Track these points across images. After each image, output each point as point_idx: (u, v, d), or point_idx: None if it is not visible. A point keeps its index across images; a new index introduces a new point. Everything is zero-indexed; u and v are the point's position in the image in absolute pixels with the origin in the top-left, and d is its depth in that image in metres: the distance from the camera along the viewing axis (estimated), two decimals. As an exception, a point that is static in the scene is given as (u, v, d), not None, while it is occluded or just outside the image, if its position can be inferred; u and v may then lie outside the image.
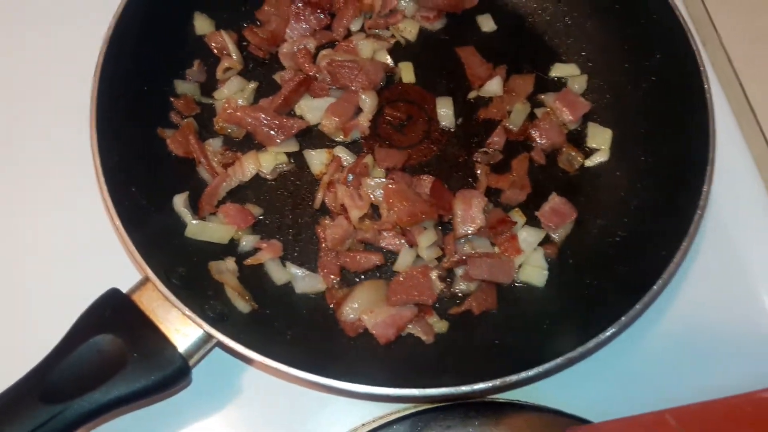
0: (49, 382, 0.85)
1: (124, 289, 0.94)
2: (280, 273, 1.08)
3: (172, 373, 0.89)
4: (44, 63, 1.25)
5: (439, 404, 1.02)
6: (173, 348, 0.90)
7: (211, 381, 1.02)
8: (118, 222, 0.94)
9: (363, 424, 1.02)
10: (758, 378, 1.03)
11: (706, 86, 1.07)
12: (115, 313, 0.91)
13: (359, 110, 1.18)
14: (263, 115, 1.15)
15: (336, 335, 1.03)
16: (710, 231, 1.15)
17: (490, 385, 0.88)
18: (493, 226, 1.08)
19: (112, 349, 0.88)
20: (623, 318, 0.92)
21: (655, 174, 1.12)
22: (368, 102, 1.17)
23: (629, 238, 1.08)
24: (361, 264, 1.08)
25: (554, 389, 1.04)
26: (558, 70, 1.26)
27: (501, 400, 1.04)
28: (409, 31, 1.27)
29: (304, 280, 1.07)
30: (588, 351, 0.91)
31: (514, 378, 0.89)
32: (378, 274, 1.10)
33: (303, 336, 1.01)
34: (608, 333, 0.92)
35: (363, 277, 1.09)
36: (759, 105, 1.24)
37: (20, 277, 1.09)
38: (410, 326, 1.04)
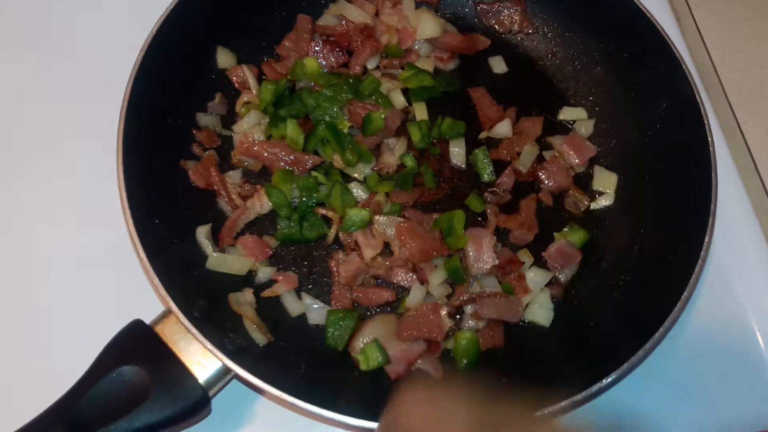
0: (76, 412, 0.88)
1: (147, 320, 0.98)
2: (295, 305, 1.11)
3: (193, 404, 0.93)
4: (72, 96, 1.28)
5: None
6: (194, 379, 0.93)
7: (228, 409, 1.05)
8: (143, 254, 0.98)
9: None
10: (755, 419, 1.07)
11: (709, 139, 1.12)
12: (139, 344, 0.95)
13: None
14: (279, 150, 1.18)
15: (348, 368, 1.06)
16: (710, 274, 1.19)
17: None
18: (501, 266, 1.12)
19: (136, 379, 0.91)
20: (626, 364, 0.96)
21: (658, 220, 1.16)
22: (399, 145, 1.22)
23: (632, 282, 1.13)
24: (373, 300, 1.12)
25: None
26: (566, 114, 1.30)
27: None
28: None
29: (317, 312, 1.11)
30: (591, 396, 0.95)
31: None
32: (388, 308, 1.13)
33: (316, 368, 1.04)
34: (611, 378, 0.96)
35: (376, 310, 1.13)
36: (759, 154, 1.29)
37: (46, 307, 1.12)
38: (419, 361, 1.08)
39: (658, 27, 1.21)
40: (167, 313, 0.97)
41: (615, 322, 1.09)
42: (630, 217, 1.20)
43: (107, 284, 1.13)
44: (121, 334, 0.96)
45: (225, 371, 0.95)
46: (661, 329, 0.99)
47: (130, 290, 1.11)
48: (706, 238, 1.05)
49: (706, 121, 1.14)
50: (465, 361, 1.07)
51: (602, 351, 1.03)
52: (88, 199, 1.19)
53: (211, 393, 0.95)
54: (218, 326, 0.99)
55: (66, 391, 0.91)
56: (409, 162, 1.21)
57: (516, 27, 1.37)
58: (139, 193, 1.04)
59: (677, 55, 1.19)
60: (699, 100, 1.15)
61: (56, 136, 1.25)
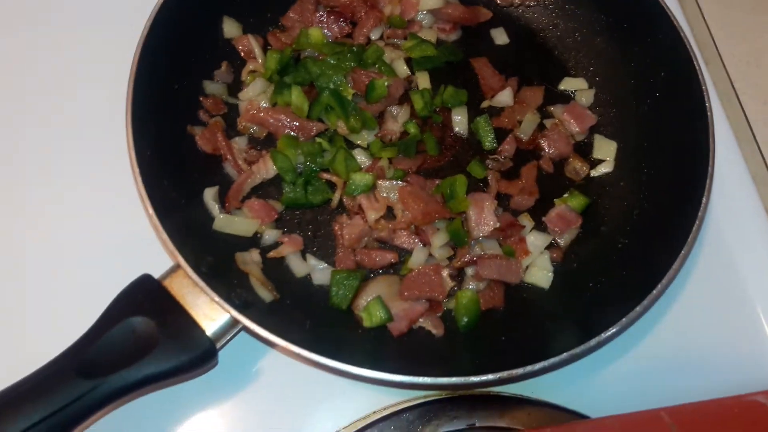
0: (86, 358, 0.91)
1: (156, 276, 1.00)
2: (300, 266, 1.13)
3: (200, 355, 0.95)
4: (83, 63, 1.31)
5: (447, 396, 1.07)
6: (202, 331, 0.95)
7: (235, 363, 1.07)
8: (151, 211, 1.00)
9: (375, 411, 1.08)
10: (749, 382, 1.09)
11: (707, 105, 1.14)
12: (147, 297, 0.97)
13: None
14: (284, 117, 1.20)
15: (351, 326, 1.09)
16: (708, 241, 1.21)
17: (498, 376, 0.94)
18: (502, 229, 1.14)
19: (144, 330, 0.93)
20: (624, 319, 0.98)
21: (656, 185, 1.18)
22: (402, 113, 1.24)
23: (631, 244, 1.15)
24: (376, 262, 1.14)
25: (556, 386, 1.09)
26: (567, 84, 1.32)
27: (505, 394, 1.09)
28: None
29: (322, 273, 1.13)
30: (590, 349, 0.97)
31: (520, 371, 0.94)
32: (391, 270, 1.15)
33: (320, 326, 1.06)
34: (610, 332, 0.98)
35: (379, 272, 1.15)
36: (757, 124, 1.31)
37: (58, 262, 1.14)
38: (421, 320, 1.10)
39: (658, -2, 1.23)
40: (175, 268, 0.99)
41: (613, 283, 1.11)
42: (629, 182, 1.22)
43: (117, 241, 1.15)
44: (130, 287, 0.98)
45: (232, 324, 0.98)
46: (659, 286, 1.01)
47: (139, 247, 1.13)
48: (704, 198, 1.07)
49: (704, 88, 1.15)
50: (465, 320, 1.09)
51: (601, 309, 1.05)
52: (100, 159, 1.22)
53: (218, 345, 0.97)
54: (225, 282, 1.01)
55: (76, 339, 0.93)
56: (412, 129, 1.23)
57: (517, 0, 1.39)
58: (147, 155, 1.05)
59: (677, 25, 1.21)
60: (698, 69, 1.17)
61: (68, 100, 1.27)
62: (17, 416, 0.84)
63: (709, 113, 1.13)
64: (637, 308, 1.00)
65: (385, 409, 1.07)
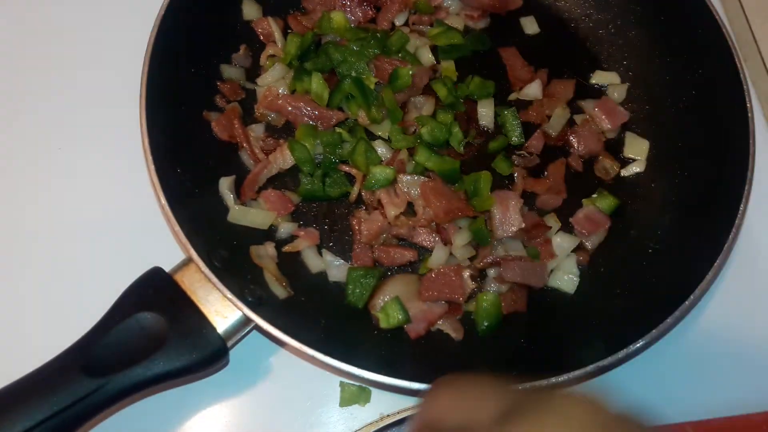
0: (92, 355, 0.87)
1: (167, 269, 0.96)
2: (315, 261, 1.09)
3: (211, 354, 0.91)
4: (96, 44, 1.26)
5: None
6: (213, 329, 0.92)
7: (245, 360, 1.04)
8: (164, 201, 0.96)
9: (388, 415, 1.04)
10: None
11: (748, 105, 1.08)
12: (157, 291, 0.93)
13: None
14: (303, 105, 1.16)
15: (368, 327, 1.05)
16: (741, 248, 1.16)
17: (522, 388, 0.90)
18: (528, 230, 1.09)
19: (153, 326, 0.90)
20: (654, 331, 0.94)
21: (690, 188, 1.13)
22: (426, 104, 1.19)
23: (662, 250, 1.10)
24: (395, 259, 1.09)
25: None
26: (598, 78, 1.27)
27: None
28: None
29: (338, 269, 1.09)
30: (618, 361, 0.93)
31: (544, 382, 0.90)
32: (409, 269, 1.11)
33: (335, 325, 1.03)
34: (639, 344, 0.93)
35: (397, 270, 1.11)
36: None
37: (66, 253, 1.11)
38: (440, 322, 1.06)
39: (699, -10, 1.17)
40: (187, 261, 0.96)
41: (643, 290, 1.06)
42: (661, 184, 1.17)
43: (127, 231, 1.11)
44: (139, 281, 0.94)
45: (244, 322, 0.94)
46: (691, 297, 0.96)
47: (150, 239, 1.10)
48: (741, 206, 1.02)
49: (745, 88, 1.10)
50: (486, 324, 1.05)
51: (629, 318, 1.01)
52: (111, 146, 1.18)
53: (229, 344, 0.94)
54: (239, 277, 0.97)
55: (82, 335, 0.90)
56: (442, 116, 1.18)
57: (550, -12, 1.33)
58: (161, 141, 1.01)
59: (717, 19, 1.15)
60: (739, 67, 1.11)
61: (80, 84, 1.23)
62: (20, 414, 0.81)
63: (749, 114, 1.08)
64: (668, 319, 0.95)
65: (398, 413, 1.04)
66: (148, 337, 0.89)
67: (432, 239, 1.10)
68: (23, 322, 1.06)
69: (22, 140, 1.19)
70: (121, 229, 1.12)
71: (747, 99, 1.09)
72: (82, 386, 0.85)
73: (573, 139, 1.20)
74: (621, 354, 0.92)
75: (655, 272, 1.07)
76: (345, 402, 1.04)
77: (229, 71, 1.20)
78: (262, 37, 1.24)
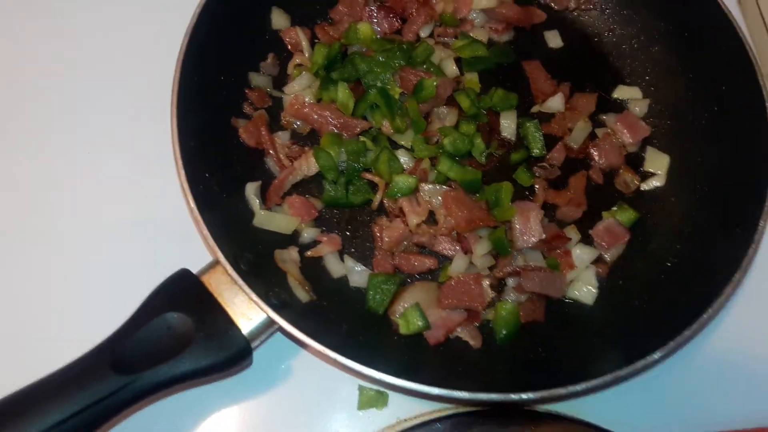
0: (120, 353, 0.90)
1: (194, 270, 0.99)
2: (337, 266, 1.11)
3: (235, 354, 0.93)
4: (129, 51, 1.30)
5: (479, 408, 1.05)
6: (238, 330, 0.94)
7: (266, 361, 1.06)
8: (193, 204, 0.98)
9: (405, 419, 1.06)
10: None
11: (771, 125, 1.09)
12: (184, 292, 0.96)
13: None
14: (329, 114, 1.18)
15: (387, 332, 1.06)
16: (760, 264, 1.16)
17: (539, 395, 0.91)
18: (548, 241, 1.10)
19: (180, 326, 0.92)
20: (671, 342, 0.95)
21: (710, 204, 1.14)
22: (449, 115, 1.21)
23: (680, 264, 1.10)
24: (415, 266, 1.11)
25: (592, 404, 1.06)
26: (621, 92, 1.28)
27: (539, 410, 1.07)
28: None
29: (359, 275, 1.11)
30: (635, 371, 0.94)
31: (562, 391, 0.91)
32: (429, 276, 1.13)
33: (356, 329, 1.04)
34: (656, 356, 0.94)
35: (417, 277, 1.13)
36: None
37: (98, 254, 1.14)
38: (459, 330, 1.07)
39: (722, 6, 1.18)
40: (214, 263, 0.98)
41: (661, 303, 1.07)
42: (681, 199, 1.18)
43: (156, 234, 1.14)
44: (167, 282, 0.97)
45: (268, 324, 0.96)
46: (709, 310, 0.97)
47: (179, 241, 1.13)
48: (761, 221, 1.02)
49: (767, 105, 1.10)
50: (504, 332, 1.06)
51: (646, 330, 1.02)
52: (141, 151, 1.21)
53: (253, 345, 0.96)
54: (263, 280, 0.99)
55: (112, 333, 0.92)
56: (464, 127, 1.20)
57: (573, 4, 1.35)
58: (191, 146, 1.04)
59: (741, 36, 1.16)
60: (762, 84, 1.12)
61: (114, 88, 1.27)
62: (50, 408, 0.84)
63: (772, 133, 1.09)
64: (686, 332, 0.96)
65: (416, 417, 1.06)
66: (175, 337, 0.92)
67: (452, 248, 1.12)
68: (56, 320, 1.09)
69: (54, 143, 1.23)
70: (151, 231, 1.15)
71: (768, 116, 1.10)
72: (110, 383, 0.87)
73: (594, 152, 1.21)
74: (639, 365, 0.93)
75: (673, 285, 1.08)
76: (363, 405, 1.06)
77: (257, 79, 1.22)
78: (289, 47, 1.26)
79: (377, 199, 1.15)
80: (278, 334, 1.04)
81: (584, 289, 1.11)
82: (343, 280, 1.12)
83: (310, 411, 1.06)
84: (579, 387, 0.91)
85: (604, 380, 0.92)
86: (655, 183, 1.21)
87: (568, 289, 1.11)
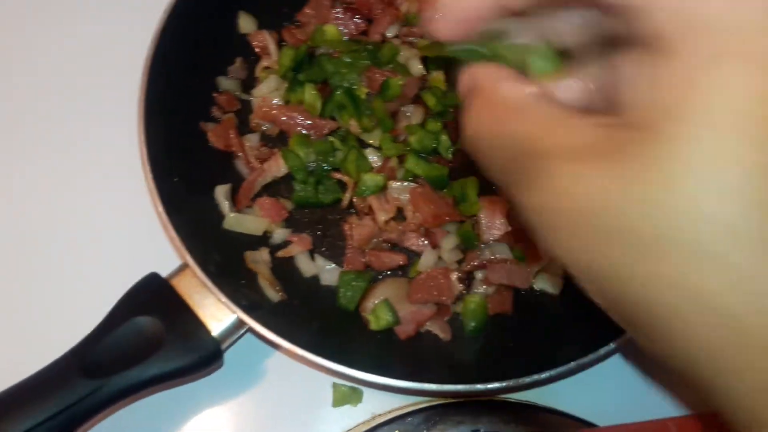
0: (91, 358, 0.91)
1: (164, 274, 1.00)
2: (308, 266, 1.13)
3: (206, 356, 0.95)
4: (95, 55, 1.30)
5: (452, 400, 1.07)
6: (208, 332, 0.95)
7: (240, 362, 1.07)
8: (161, 208, 1.00)
9: (379, 414, 1.08)
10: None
11: None
12: (154, 296, 0.97)
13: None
14: (297, 115, 1.20)
15: (359, 328, 1.08)
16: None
17: (504, 385, 0.93)
18: (513, 234, 1.12)
19: (150, 330, 0.93)
20: (633, 329, 0.97)
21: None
22: (415, 113, 1.22)
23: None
24: (385, 263, 1.13)
25: (564, 393, 1.08)
26: (584, 86, 1.30)
27: (511, 400, 1.09)
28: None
29: (330, 273, 1.12)
30: (599, 358, 0.96)
31: (527, 380, 0.93)
32: (400, 273, 1.15)
33: (327, 327, 1.06)
34: (619, 341, 0.96)
35: (388, 273, 1.14)
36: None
37: (65, 260, 1.15)
38: (429, 324, 1.09)
39: None
40: (183, 267, 0.99)
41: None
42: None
43: (125, 239, 1.15)
44: (137, 286, 0.98)
45: (238, 325, 0.97)
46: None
47: (147, 245, 1.13)
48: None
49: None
50: (473, 324, 1.08)
51: (609, 318, 1.03)
52: (107, 156, 1.22)
53: (223, 346, 0.97)
54: (233, 282, 1.01)
55: (82, 339, 0.93)
56: (431, 125, 1.21)
57: None
58: (158, 150, 1.05)
59: None
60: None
61: (78, 94, 1.27)
62: (21, 416, 0.84)
63: None
64: (648, 319, 0.98)
65: (389, 412, 1.07)
66: (146, 341, 0.93)
67: (421, 243, 1.13)
68: (24, 327, 1.10)
69: (18, 147, 1.23)
70: (119, 235, 1.15)
71: None
72: (81, 387, 0.88)
73: (559, 147, 1.23)
74: (602, 351, 0.95)
75: (637, 273, 1.10)
76: (337, 402, 1.08)
77: (225, 83, 1.24)
78: (257, 50, 1.27)
79: (347, 198, 1.17)
80: (251, 335, 1.06)
81: (551, 280, 1.13)
82: (315, 279, 1.13)
83: (285, 411, 1.07)
84: (543, 375, 0.93)
85: (568, 368, 0.94)
86: (619, 174, 1.22)
87: (535, 280, 1.13)
